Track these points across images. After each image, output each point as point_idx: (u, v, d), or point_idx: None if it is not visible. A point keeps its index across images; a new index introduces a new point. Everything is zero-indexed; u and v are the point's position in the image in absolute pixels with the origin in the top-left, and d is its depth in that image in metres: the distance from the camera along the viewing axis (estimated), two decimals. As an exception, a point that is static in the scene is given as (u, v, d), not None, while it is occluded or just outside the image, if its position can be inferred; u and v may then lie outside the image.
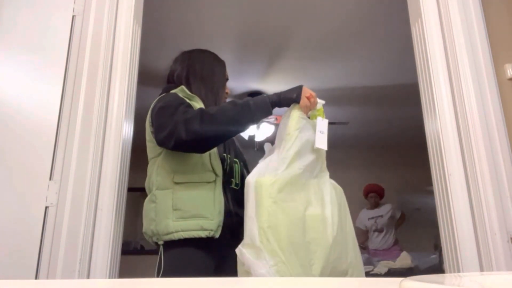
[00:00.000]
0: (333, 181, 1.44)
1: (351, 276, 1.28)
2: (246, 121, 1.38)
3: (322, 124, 1.42)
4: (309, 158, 1.34)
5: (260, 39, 3.41)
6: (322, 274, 1.19)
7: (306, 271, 1.17)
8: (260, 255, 1.15)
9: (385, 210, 4.49)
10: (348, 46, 3.50)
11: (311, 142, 1.37)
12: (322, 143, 1.38)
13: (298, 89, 1.40)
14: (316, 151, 1.38)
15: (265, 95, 1.43)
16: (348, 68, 3.88)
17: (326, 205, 1.33)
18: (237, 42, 3.43)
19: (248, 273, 1.16)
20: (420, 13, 1.78)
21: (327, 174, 1.43)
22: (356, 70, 3.91)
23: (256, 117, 1.38)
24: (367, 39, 3.39)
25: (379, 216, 4.47)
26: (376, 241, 4.37)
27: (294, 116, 1.37)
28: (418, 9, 1.80)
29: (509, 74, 1.67)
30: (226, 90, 1.66)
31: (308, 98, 1.40)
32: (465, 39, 1.68)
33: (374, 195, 4.56)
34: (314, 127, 1.41)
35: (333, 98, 4.47)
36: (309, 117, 1.45)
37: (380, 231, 4.38)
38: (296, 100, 1.39)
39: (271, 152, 1.38)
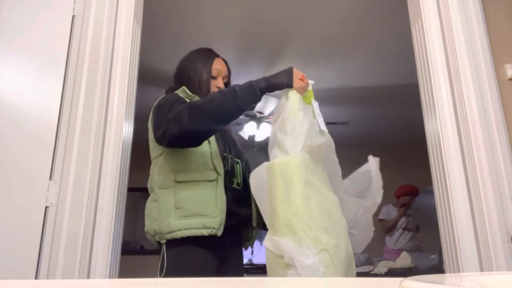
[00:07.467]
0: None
1: (352, 263, 1.24)
2: (234, 107, 1.35)
3: (316, 106, 1.40)
4: (316, 141, 1.29)
5: (260, 39, 3.41)
6: (345, 260, 1.13)
7: (338, 258, 1.10)
8: (302, 245, 1.06)
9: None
10: (348, 46, 3.50)
11: (313, 125, 1.32)
12: (323, 125, 1.37)
13: (289, 72, 1.37)
14: (320, 138, 1.34)
15: (252, 80, 1.39)
16: (348, 68, 3.88)
17: (330, 189, 1.30)
18: (237, 42, 3.43)
19: (288, 266, 1.06)
20: (420, 13, 1.78)
21: (320, 163, 1.38)
22: (356, 70, 3.91)
23: (244, 102, 1.35)
24: (367, 39, 3.39)
25: (410, 216, 4.43)
26: (404, 240, 4.32)
27: (294, 98, 1.32)
28: (418, 9, 1.80)
29: (509, 74, 1.67)
30: (218, 84, 1.60)
31: (301, 79, 1.37)
32: (465, 39, 1.68)
33: (409, 198, 4.47)
34: (310, 111, 1.37)
35: (333, 98, 4.47)
36: None
37: (409, 230, 4.36)
38: (289, 85, 1.36)
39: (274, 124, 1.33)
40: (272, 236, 1.12)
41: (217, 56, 1.66)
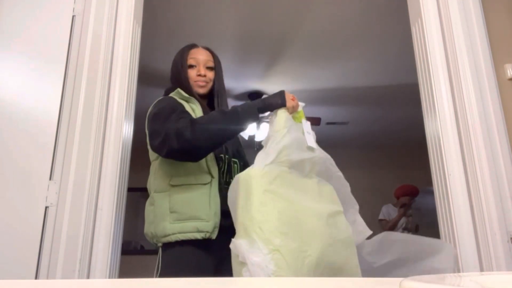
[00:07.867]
0: (324, 182, 1.46)
1: (347, 274, 1.26)
2: (235, 128, 1.43)
3: (307, 125, 1.48)
4: (298, 156, 1.36)
5: (260, 39, 3.41)
6: (317, 266, 1.19)
7: (300, 261, 1.17)
8: (253, 245, 1.16)
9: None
10: (348, 46, 3.50)
11: (298, 141, 1.40)
12: (312, 142, 1.44)
13: (281, 94, 1.45)
14: (305, 153, 1.40)
15: (250, 101, 1.48)
16: (348, 68, 3.88)
17: (319, 201, 1.35)
18: (237, 42, 3.43)
19: (243, 264, 1.16)
20: (420, 13, 1.78)
21: (316, 178, 1.44)
22: (355, 70, 3.91)
23: (244, 123, 1.44)
24: (367, 39, 3.39)
25: (410, 216, 4.41)
26: None
27: (282, 116, 1.41)
28: (418, 9, 1.80)
29: (509, 74, 1.67)
30: (199, 72, 1.59)
31: (292, 100, 1.45)
32: (465, 39, 1.68)
33: (409, 198, 4.45)
34: (300, 129, 1.46)
35: (333, 98, 4.47)
36: None
37: (409, 230, 4.34)
38: (283, 104, 1.43)
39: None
40: (233, 239, 1.24)
41: (195, 46, 1.66)
